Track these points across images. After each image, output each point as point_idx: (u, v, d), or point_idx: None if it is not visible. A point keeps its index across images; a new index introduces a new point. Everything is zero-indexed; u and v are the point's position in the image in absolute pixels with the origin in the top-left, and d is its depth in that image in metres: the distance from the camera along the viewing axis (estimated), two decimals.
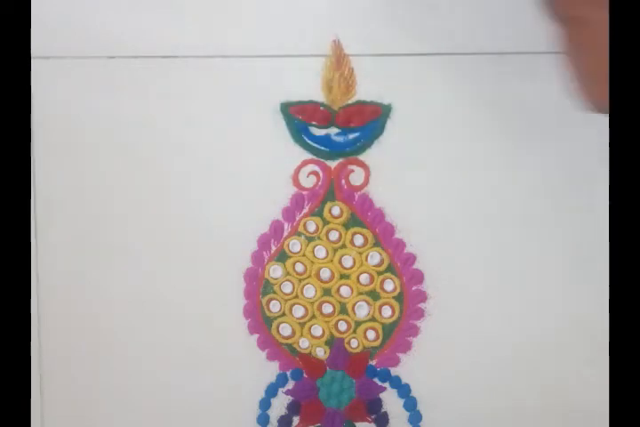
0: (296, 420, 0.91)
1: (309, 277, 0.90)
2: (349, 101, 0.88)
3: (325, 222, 0.89)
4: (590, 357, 0.87)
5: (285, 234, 0.90)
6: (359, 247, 0.89)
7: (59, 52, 0.90)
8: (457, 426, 0.90)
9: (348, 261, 0.90)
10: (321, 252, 0.90)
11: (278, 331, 0.90)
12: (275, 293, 0.90)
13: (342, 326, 0.90)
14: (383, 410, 0.90)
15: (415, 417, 0.90)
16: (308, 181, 0.90)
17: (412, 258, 0.89)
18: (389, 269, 0.89)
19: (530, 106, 0.88)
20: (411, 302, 0.89)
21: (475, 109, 0.88)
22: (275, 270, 0.90)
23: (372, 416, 0.91)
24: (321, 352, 0.90)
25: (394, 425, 0.90)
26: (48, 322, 0.91)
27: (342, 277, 0.90)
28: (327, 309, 0.90)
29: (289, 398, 0.91)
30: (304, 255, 0.90)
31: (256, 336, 0.90)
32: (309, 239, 0.90)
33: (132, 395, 0.92)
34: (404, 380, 0.90)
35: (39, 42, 0.86)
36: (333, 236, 0.89)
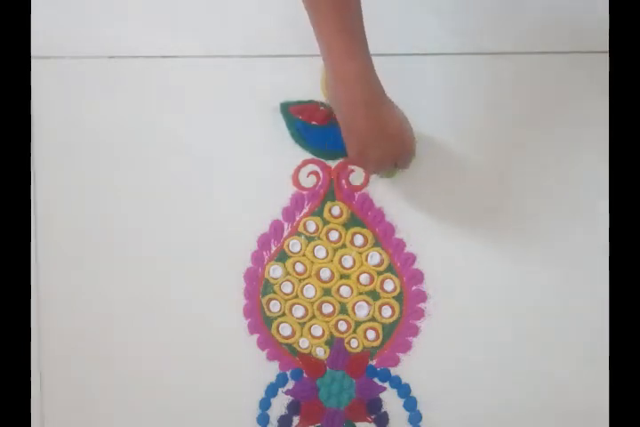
0: (296, 420, 0.91)
1: (309, 277, 0.90)
2: None
3: (325, 222, 0.89)
4: (590, 357, 0.87)
5: (285, 234, 0.90)
6: (359, 247, 0.89)
7: (59, 52, 0.90)
8: (457, 426, 0.90)
9: (348, 261, 0.90)
10: (321, 252, 0.90)
11: (278, 331, 0.90)
12: (275, 293, 0.90)
13: (342, 326, 0.90)
14: (383, 410, 0.90)
15: (415, 417, 0.90)
16: (308, 181, 0.90)
17: (411, 258, 0.89)
18: (389, 269, 0.89)
19: (530, 105, 0.88)
20: (411, 301, 0.89)
21: (474, 109, 0.88)
22: (275, 270, 0.90)
23: (372, 416, 0.91)
24: (321, 352, 0.90)
25: (394, 425, 0.90)
26: (48, 322, 0.91)
27: (342, 277, 0.90)
28: (327, 309, 0.90)
29: (289, 398, 0.91)
30: (304, 255, 0.90)
31: (256, 336, 0.90)
32: (309, 239, 0.90)
33: (131, 395, 0.92)
34: (404, 380, 0.90)
35: (39, 42, 0.86)
36: (333, 236, 0.89)
